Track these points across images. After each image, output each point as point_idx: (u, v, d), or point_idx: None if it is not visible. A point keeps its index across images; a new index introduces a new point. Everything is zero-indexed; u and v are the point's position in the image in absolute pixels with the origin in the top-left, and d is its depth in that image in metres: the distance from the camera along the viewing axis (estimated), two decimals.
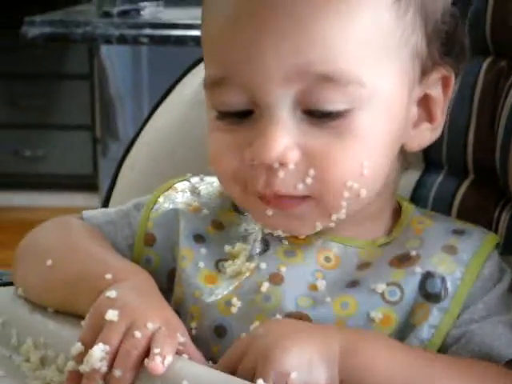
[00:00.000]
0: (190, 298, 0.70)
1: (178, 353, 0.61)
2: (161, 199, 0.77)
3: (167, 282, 0.73)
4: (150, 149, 1.05)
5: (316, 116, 0.62)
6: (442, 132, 0.74)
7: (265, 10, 0.60)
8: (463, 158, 0.83)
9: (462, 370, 0.61)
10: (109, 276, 0.67)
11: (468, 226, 0.73)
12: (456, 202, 0.83)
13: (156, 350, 0.58)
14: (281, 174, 0.63)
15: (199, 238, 0.74)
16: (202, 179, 0.79)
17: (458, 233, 0.70)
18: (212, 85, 0.65)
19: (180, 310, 0.69)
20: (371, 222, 0.70)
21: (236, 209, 0.74)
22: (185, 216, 0.75)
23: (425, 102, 0.69)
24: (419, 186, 0.86)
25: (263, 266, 0.69)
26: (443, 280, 0.67)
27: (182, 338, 0.62)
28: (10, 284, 0.78)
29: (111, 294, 0.64)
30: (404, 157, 0.72)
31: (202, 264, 0.71)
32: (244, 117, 0.64)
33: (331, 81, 0.61)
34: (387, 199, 0.71)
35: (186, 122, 1.01)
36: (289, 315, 0.66)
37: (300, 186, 0.63)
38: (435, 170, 0.86)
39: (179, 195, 0.77)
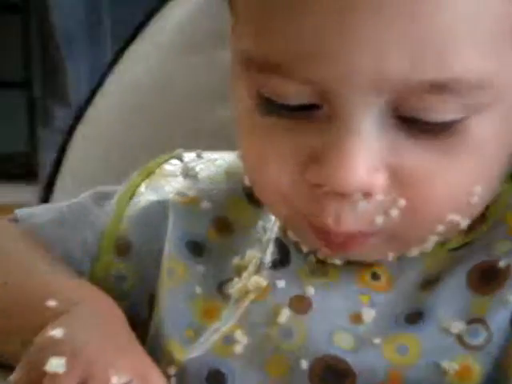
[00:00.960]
0: (170, 333, 0.62)
1: None
2: (142, 188, 0.69)
3: (148, 310, 0.65)
4: (115, 114, 0.93)
5: (416, 126, 0.54)
6: None
7: None
8: None
9: None
10: (53, 303, 0.59)
11: None
12: None
13: None
14: (361, 206, 0.55)
15: (196, 248, 0.65)
16: (199, 156, 0.70)
17: None
18: (260, 68, 0.56)
19: (155, 348, 0.62)
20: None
21: (251, 198, 0.65)
22: (176, 211, 0.66)
23: None
24: None
25: (281, 284, 0.60)
26: None
27: None
28: None
29: (56, 331, 0.56)
30: None
31: (198, 289, 0.63)
32: (306, 111, 0.56)
33: (445, 90, 0.53)
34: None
35: (165, 74, 0.90)
36: (321, 360, 0.58)
37: (379, 220, 0.55)
38: None
39: (167, 181, 0.69)
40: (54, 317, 0.58)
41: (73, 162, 0.97)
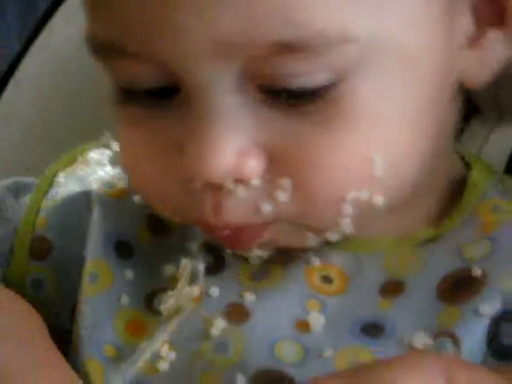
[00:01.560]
0: (89, 351, 0.56)
1: None
2: (61, 177, 0.62)
3: (72, 321, 0.59)
4: (56, 66, 0.83)
5: (283, 98, 0.50)
6: None
7: None
8: None
9: None
10: None
11: None
12: None
13: None
14: (240, 195, 0.51)
15: (125, 249, 0.59)
16: None
17: None
18: (105, 51, 0.53)
19: (75, 367, 0.56)
20: (409, 208, 0.57)
21: None
22: (102, 205, 0.61)
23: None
24: None
25: (215, 292, 0.55)
26: None
27: None
28: None
29: None
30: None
31: (125, 299, 0.57)
32: (164, 96, 0.52)
33: (296, 49, 0.48)
34: (438, 175, 0.59)
35: None
36: (261, 374, 0.52)
37: (266, 208, 0.51)
38: None
39: (93, 170, 0.64)
40: None
41: None
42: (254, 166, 0.49)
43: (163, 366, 0.52)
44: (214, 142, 0.49)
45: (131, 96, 0.52)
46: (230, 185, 0.49)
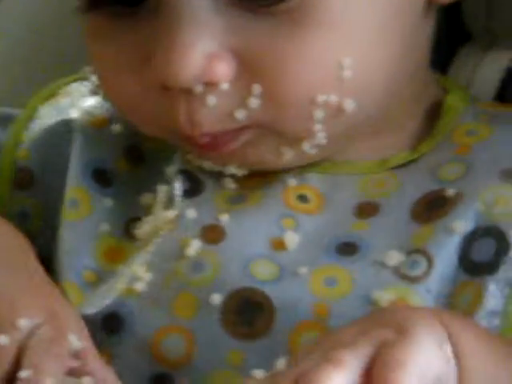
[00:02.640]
0: (68, 275, 0.57)
1: (72, 372, 0.51)
2: (42, 110, 0.63)
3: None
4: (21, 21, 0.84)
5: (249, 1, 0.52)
6: None
7: None
8: None
9: None
10: None
11: None
12: None
13: (23, 374, 0.49)
14: (209, 100, 0.52)
15: (104, 177, 0.61)
16: None
17: None
18: None
19: None
20: (387, 133, 0.59)
21: None
22: (83, 133, 0.61)
23: None
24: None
25: (191, 213, 0.56)
26: (502, 236, 0.54)
27: (78, 341, 0.52)
28: None
29: None
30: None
31: (104, 226, 0.58)
32: (132, 5, 0.53)
33: None
34: (413, 97, 0.61)
35: None
36: (236, 293, 0.53)
37: (240, 114, 0.52)
38: None
39: (73, 100, 0.64)
40: None
41: None
42: (223, 70, 0.50)
43: (140, 286, 0.53)
44: (182, 45, 0.49)
45: (98, 3, 0.52)
46: (199, 89, 0.49)
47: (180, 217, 0.55)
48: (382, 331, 0.42)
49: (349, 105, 0.52)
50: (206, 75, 0.50)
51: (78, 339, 0.50)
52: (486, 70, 0.68)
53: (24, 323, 0.49)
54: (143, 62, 0.52)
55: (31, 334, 0.50)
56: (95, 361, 0.51)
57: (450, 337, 0.44)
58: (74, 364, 0.50)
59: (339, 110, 0.52)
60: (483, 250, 0.53)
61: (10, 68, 0.80)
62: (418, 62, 0.59)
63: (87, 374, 0.50)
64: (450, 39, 0.72)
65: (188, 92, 0.50)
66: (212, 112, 0.51)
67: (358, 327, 0.44)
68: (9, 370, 0.49)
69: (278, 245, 0.54)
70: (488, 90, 0.67)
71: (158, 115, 0.53)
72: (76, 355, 0.50)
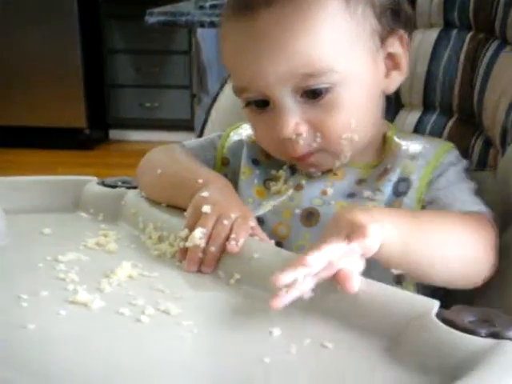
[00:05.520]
0: (244, 202, 0.85)
1: (251, 235, 0.77)
2: (231, 133, 0.97)
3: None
4: (229, 99, 1.24)
5: (311, 98, 0.78)
6: (437, 82, 0.94)
7: (256, 41, 0.78)
8: (450, 102, 1.01)
9: (441, 213, 0.77)
10: (201, 181, 0.83)
11: (432, 139, 0.89)
12: (445, 133, 1.02)
13: (232, 235, 0.73)
14: (299, 140, 0.80)
15: (255, 162, 0.92)
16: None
17: (423, 144, 0.86)
18: (238, 90, 0.84)
19: None
20: (366, 150, 0.88)
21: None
22: (247, 145, 0.94)
23: (391, 58, 0.84)
24: (419, 123, 1.06)
25: (291, 182, 0.87)
26: (408, 180, 0.83)
27: (253, 223, 0.78)
28: (136, 188, 0.96)
29: (204, 194, 0.80)
30: (386, 98, 0.89)
31: (255, 181, 0.89)
32: (265, 106, 0.81)
33: (313, 75, 0.78)
34: (376, 134, 0.89)
35: None
36: (305, 211, 0.84)
37: (313, 145, 0.81)
38: (431, 112, 1.05)
39: (244, 131, 0.96)
40: (202, 187, 0.80)
41: (211, 121, 1.27)
42: (302, 129, 0.78)
43: (267, 209, 0.85)
44: (286, 121, 0.78)
45: (250, 104, 0.81)
46: (294, 137, 0.78)
47: (287, 183, 0.85)
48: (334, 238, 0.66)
49: (355, 138, 0.80)
50: (296, 131, 0.78)
51: (252, 222, 0.76)
52: (409, 120, 1.05)
53: (233, 215, 0.75)
54: (272, 128, 0.80)
55: (235, 220, 0.74)
56: (259, 231, 0.77)
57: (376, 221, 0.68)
58: (251, 232, 0.75)
59: (352, 141, 0.80)
60: (401, 186, 0.82)
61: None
62: (380, 116, 0.87)
63: (257, 235, 0.75)
64: (394, 105, 1.05)
65: (290, 139, 0.78)
66: (301, 146, 0.79)
67: (327, 230, 0.68)
68: (228, 236, 0.73)
69: (324, 192, 0.85)
70: (409, 130, 1.02)
71: (280, 148, 0.82)
72: (252, 229, 0.76)
